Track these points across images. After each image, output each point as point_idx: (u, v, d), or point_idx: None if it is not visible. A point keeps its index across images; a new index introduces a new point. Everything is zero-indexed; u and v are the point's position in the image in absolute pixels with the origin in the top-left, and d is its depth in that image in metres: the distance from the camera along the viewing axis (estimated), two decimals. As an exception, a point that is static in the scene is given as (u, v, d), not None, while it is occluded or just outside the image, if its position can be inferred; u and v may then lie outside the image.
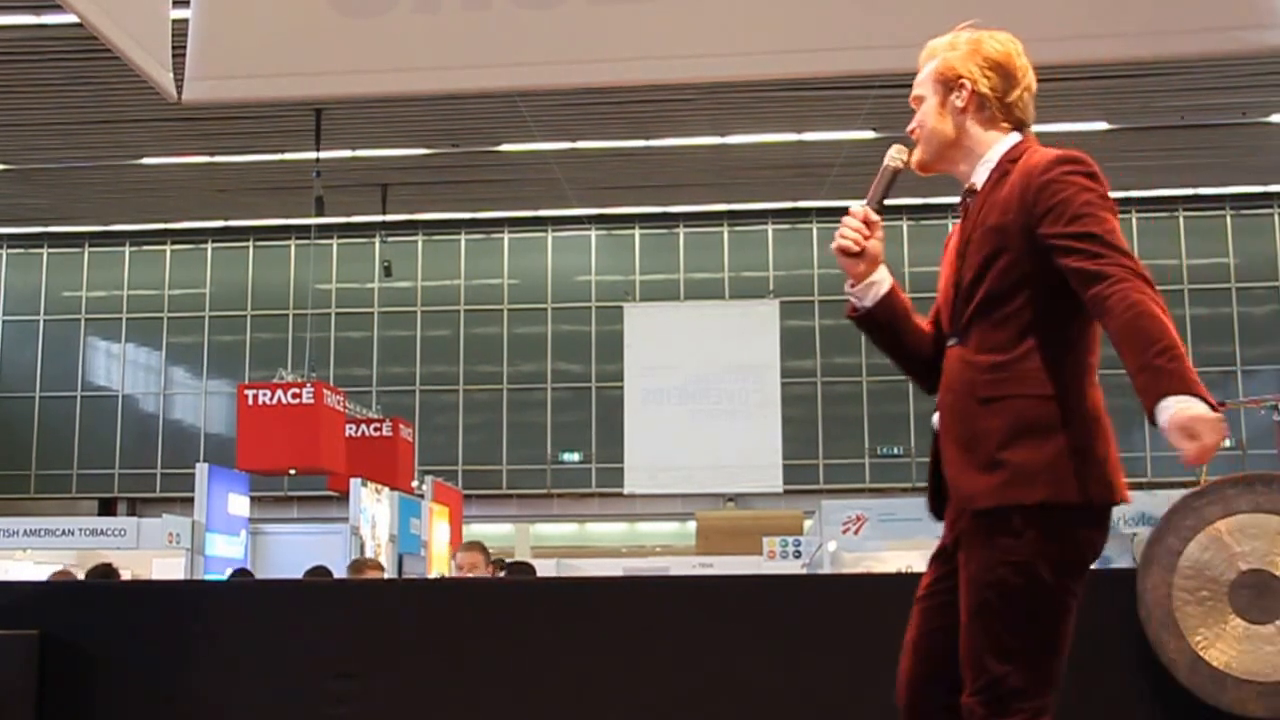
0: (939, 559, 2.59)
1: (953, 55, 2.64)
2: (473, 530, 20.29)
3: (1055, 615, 2.41)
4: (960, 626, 2.43)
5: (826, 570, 14.34)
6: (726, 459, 20.66)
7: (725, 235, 22.15)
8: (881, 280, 2.67)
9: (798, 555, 17.10)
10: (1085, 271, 2.36)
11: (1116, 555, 14.56)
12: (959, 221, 2.62)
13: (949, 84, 2.62)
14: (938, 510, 2.61)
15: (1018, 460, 2.39)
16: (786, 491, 21.51)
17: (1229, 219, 22.17)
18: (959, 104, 2.60)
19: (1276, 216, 22.24)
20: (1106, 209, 2.46)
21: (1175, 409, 2.28)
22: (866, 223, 2.63)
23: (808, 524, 19.27)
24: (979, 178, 2.57)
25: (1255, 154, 18.99)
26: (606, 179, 19.35)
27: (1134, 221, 22.29)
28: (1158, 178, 20.61)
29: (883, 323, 2.68)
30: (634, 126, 16.81)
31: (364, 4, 4.46)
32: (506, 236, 22.98)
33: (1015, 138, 2.59)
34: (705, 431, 20.65)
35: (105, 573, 7.03)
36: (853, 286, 2.66)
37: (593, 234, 22.79)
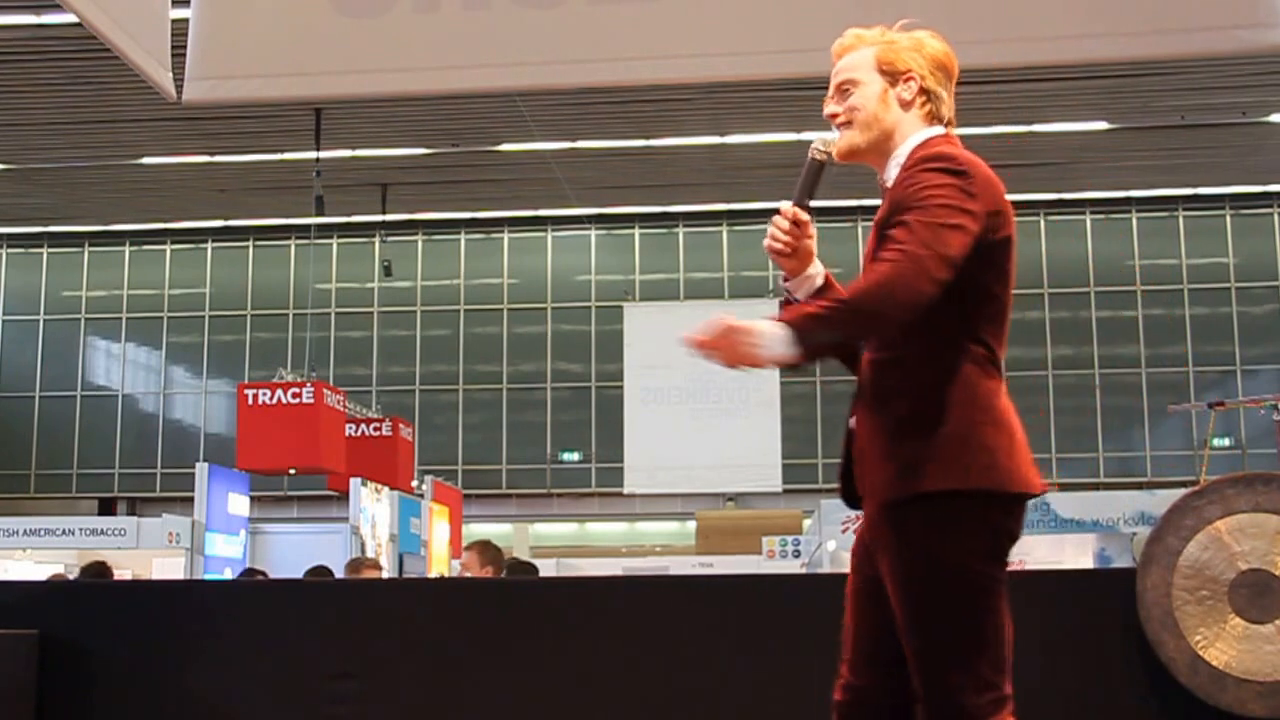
0: (860, 549, 2.58)
1: (896, 48, 2.59)
2: (472, 530, 20.29)
3: (974, 605, 2.39)
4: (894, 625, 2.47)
5: (826, 569, 14.34)
6: (726, 458, 20.65)
7: (725, 235, 22.15)
8: (815, 275, 2.63)
9: (797, 555, 17.10)
10: (887, 249, 2.37)
11: (1116, 555, 14.58)
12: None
13: (894, 75, 2.58)
14: (853, 500, 2.58)
15: (908, 452, 2.40)
16: (786, 491, 21.50)
17: (1229, 219, 22.16)
18: (906, 96, 2.57)
19: (1276, 216, 22.24)
20: (949, 202, 2.38)
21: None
22: (796, 222, 2.58)
23: (807, 523, 19.27)
24: (890, 175, 2.55)
25: (1255, 154, 18.99)
26: (606, 179, 19.34)
27: (1134, 221, 22.30)
28: (1158, 178, 20.61)
29: None
30: (634, 126, 16.80)
31: (364, 4, 4.46)
32: (506, 236, 22.98)
33: (930, 132, 2.56)
34: (705, 431, 20.65)
35: (99, 571, 7.01)
36: (786, 282, 2.64)
37: (593, 234, 22.79)
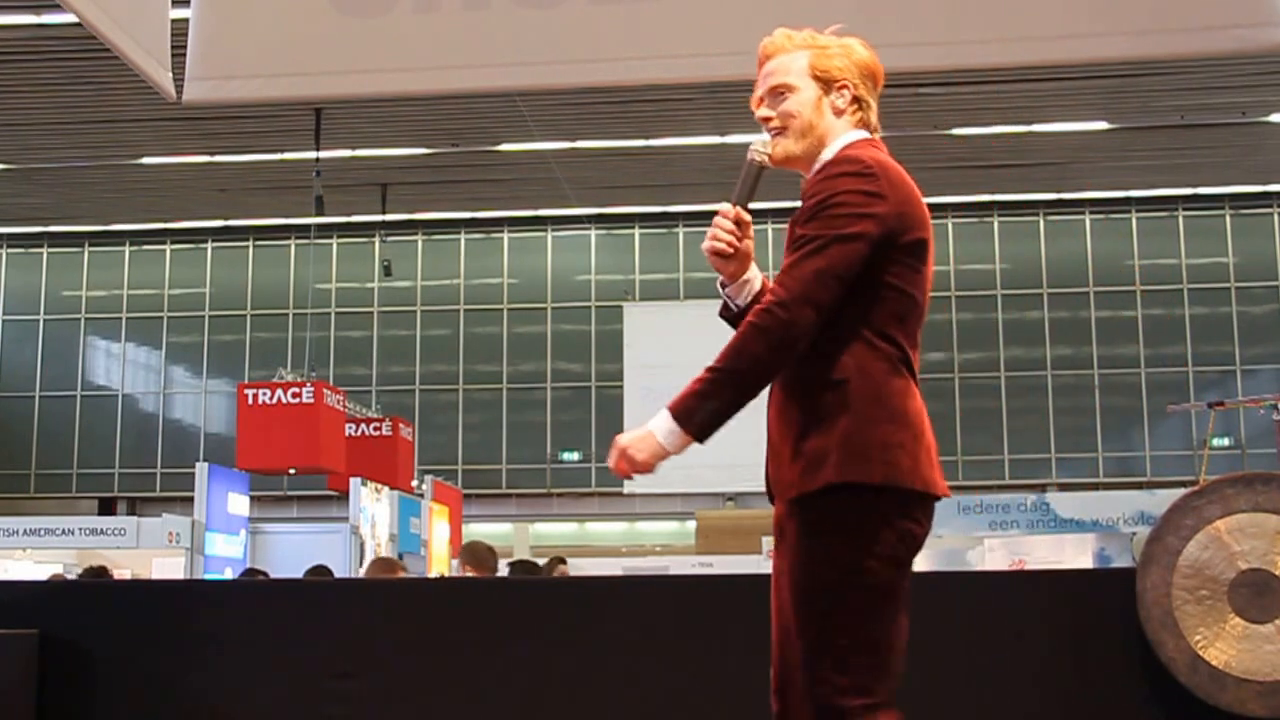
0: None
1: (829, 54, 2.60)
2: (472, 530, 20.29)
3: (866, 607, 2.39)
4: (774, 618, 2.52)
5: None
6: (726, 458, 20.58)
7: (725, 235, 22.11)
8: (754, 278, 2.64)
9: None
10: (776, 284, 2.46)
11: (1116, 555, 14.58)
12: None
13: (829, 83, 2.58)
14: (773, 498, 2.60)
15: (812, 448, 2.42)
16: (786, 491, 21.47)
17: (1228, 219, 22.16)
18: (839, 104, 2.58)
19: (1276, 216, 22.23)
20: (850, 210, 2.43)
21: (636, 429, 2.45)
22: (738, 223, 2.57)
23: (808, 523, 19.24)
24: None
25: (1255, 154, 18.99)
26: (606, 179, 19.35)
27: (1134, 221, 22.30)
28: (1158, 177, 20.61)
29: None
30: (634, 126, 16.80)
31: (364, 4, 4.46)
32: (506, 236, 22.98)
33: (854, 135, 2.58)
34: (705, 431, 20.58)
35: (98, 575, 6.99)
36: (725, 286, 2.62)
37: (592, 233, 22.79)
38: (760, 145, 2.57)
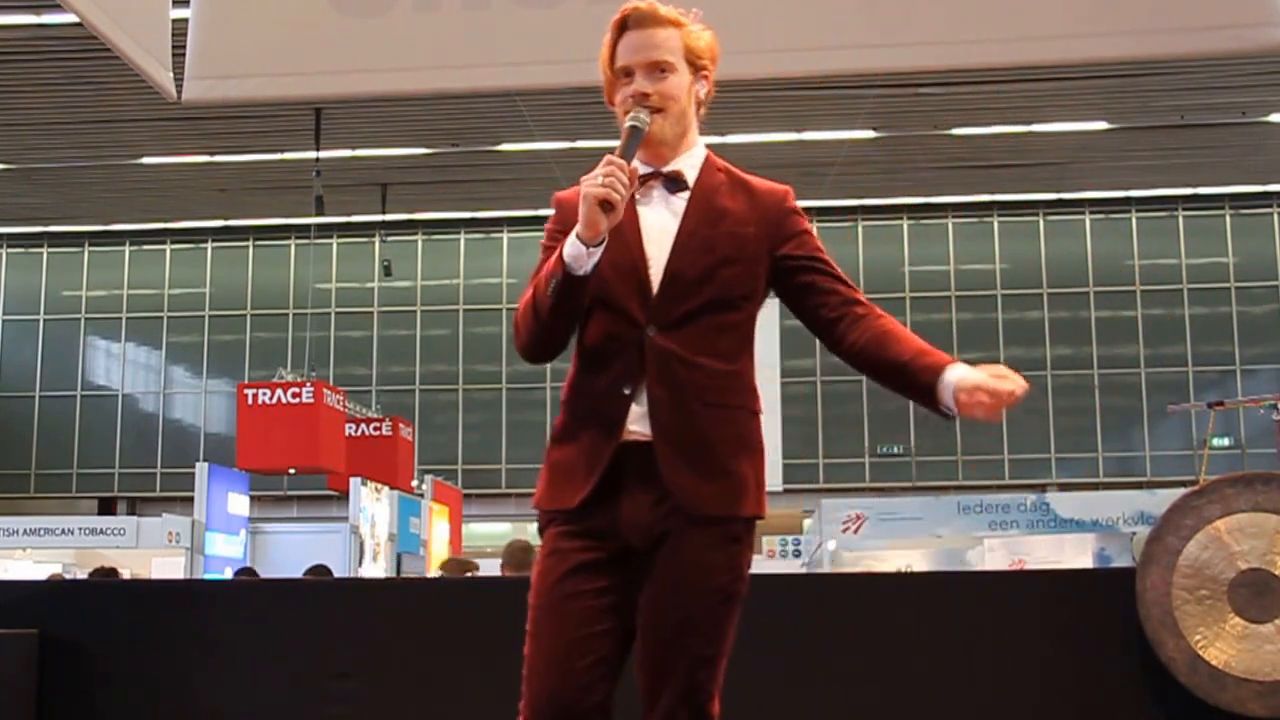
0: (609, 557, 2.38)
1: (700, 40, 2.46)
2: (472, 530, 20.30)
3: (735, 622, 2.44)
4: (651, 633, 2.37)
5: (826, 569, 14.34)
6: (726, 458, 20.65)
7: (725, 235, 22.12)
8: (604, 245, 2.37)
9: (797, 554, 17.11)
10: (845, 287, 2.53)
11: (1116, 555, 14.58)
12: (642, 203, 2.43)
13: (697, 69, 2.46)
14: (594, 503, 2.37)
15: (740, 472, 2.39)
16: (786, 490, 21.43)
17: (1228, 219, 22.17)
18: (701, 94, 2.48)
19: (1276, 216, 22.24)
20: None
21: (963, 369, 2.38)
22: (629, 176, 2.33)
23: (807, 523, 19.27)
24: (688, 171, 2.46)
25: (1255, 154, 19.00)
26: (606, 178, 19.32)
27: (1134, 221, 22.30)
28: (1158, 177, 20.61)
29: (584, 290, 2.37)
30: (634, 126, 16.80)
31: (364, 3, 4.45)
32: (506, 236, 22.98)
33: (703, 141, 2.52)
34: (705, 431, 20.59)
35: (108, 576, 6.97)
36: (591, 243, 2.30)
37: (592, 233, 22.77)
38: (643, 114, 2.38)
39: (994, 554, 14.96)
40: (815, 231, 2.54)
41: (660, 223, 2.41)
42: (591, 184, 2.29)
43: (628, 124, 2.36)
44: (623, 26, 2.43)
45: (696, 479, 2.34)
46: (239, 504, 15.95)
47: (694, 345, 2.37)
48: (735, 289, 2.41)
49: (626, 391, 2.35)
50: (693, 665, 2.37)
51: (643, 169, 2.42)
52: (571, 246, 2.32)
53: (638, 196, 2.41)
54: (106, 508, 22.58)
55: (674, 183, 2.43)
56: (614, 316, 2.38)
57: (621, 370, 2.36)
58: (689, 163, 2.47)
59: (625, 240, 2.36)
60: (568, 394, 2.45)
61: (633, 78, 2.41)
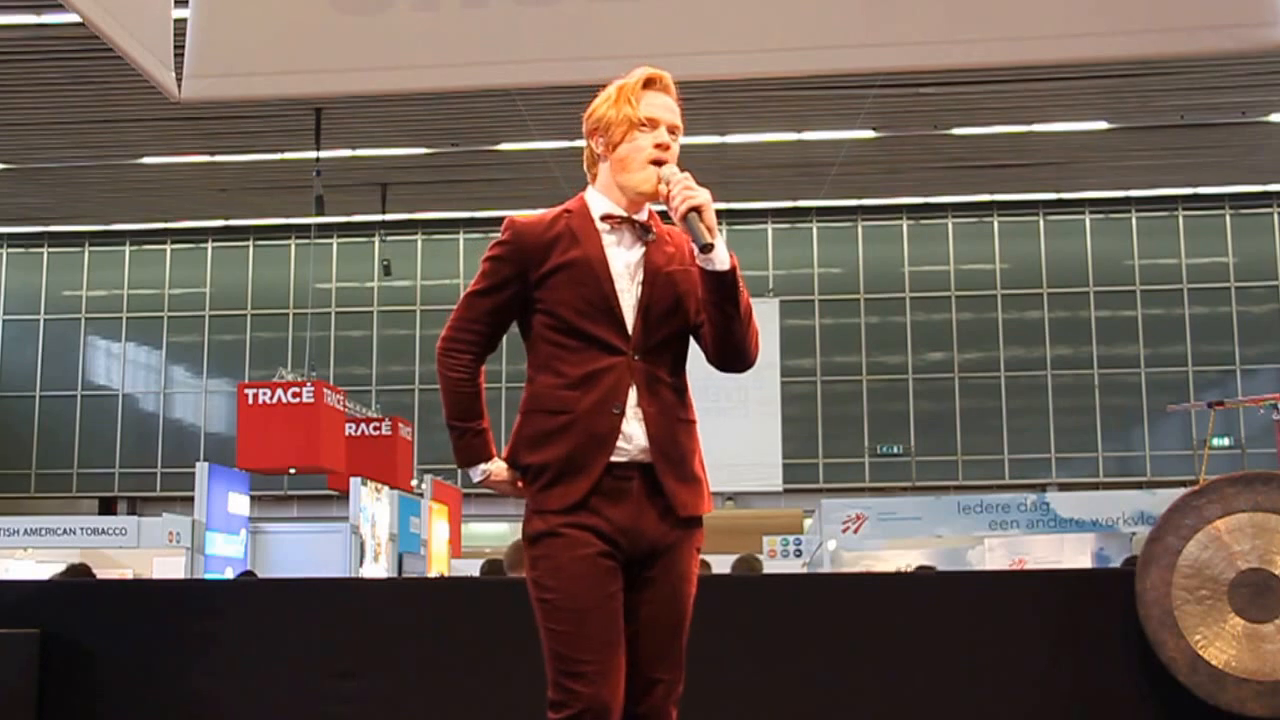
0: (618, 563, 2.63)
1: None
2: (472, 530, 20.30)
3: None
4: (656, 629, 2.66)
5: (826, 569, 14.34)
6: (726, 458, 20.62)
7: (725, 234, 22.12)
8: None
9: (798, 554, 17.10)
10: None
11: (1116, 555, 14.58)
12: (616, 243, 2.70)
13: None
14: (590, 507, 2.62)
15: (702, 477, 2.74)
16: (786, 490, 21.51)
17: (1228, 218, 22.17)
18: None
19: (1276, 216, 22.24)
20: None
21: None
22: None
23: (808, 523, 19.27)
24: (643, 217, 2.73)
25: (1255, 153, 18.99)
26: (606, 178, 19.31)
27: (1134, 221, 22.30)
28: (1158, 177, 20.61)
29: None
30: (634, 126, 16.80)
31: (363, 2, 4.45)
32: (506, 236, 22.95)
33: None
34: (705, 430, 20.29)
35: (83, 574, 6.84)
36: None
37: (592, 233, 22.76)
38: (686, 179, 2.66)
39: (994, 554, 14.97)
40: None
41: (631, 260, 2.68)
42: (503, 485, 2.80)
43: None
44: (650, 83, 2.73)
45: (681, 484, 2.67)
46: (239, 504, 15.95)
47: (668, 368, 2.69)
48: (690, 319, 2.71)
49: (616, 411, 2.62)
50: (682, 658, 2.71)
51: (618, 212, 2.71)
52: (475, 472, 2.84)
53: (610, 237, 2.69)
54: (107, 508, 22.58)
55: (645, 230, 2.71)
56: (595, 345, 2.64)
57: (610, 391, 2.62)
58: (647, 213, 2.76)
59: (596, 278, 2.64)
60: (541, 404, 2.70)
61: (657, 131, 2.69)
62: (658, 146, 2.67)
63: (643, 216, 2.73)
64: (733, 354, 2.71)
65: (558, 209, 2.79)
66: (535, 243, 2.69)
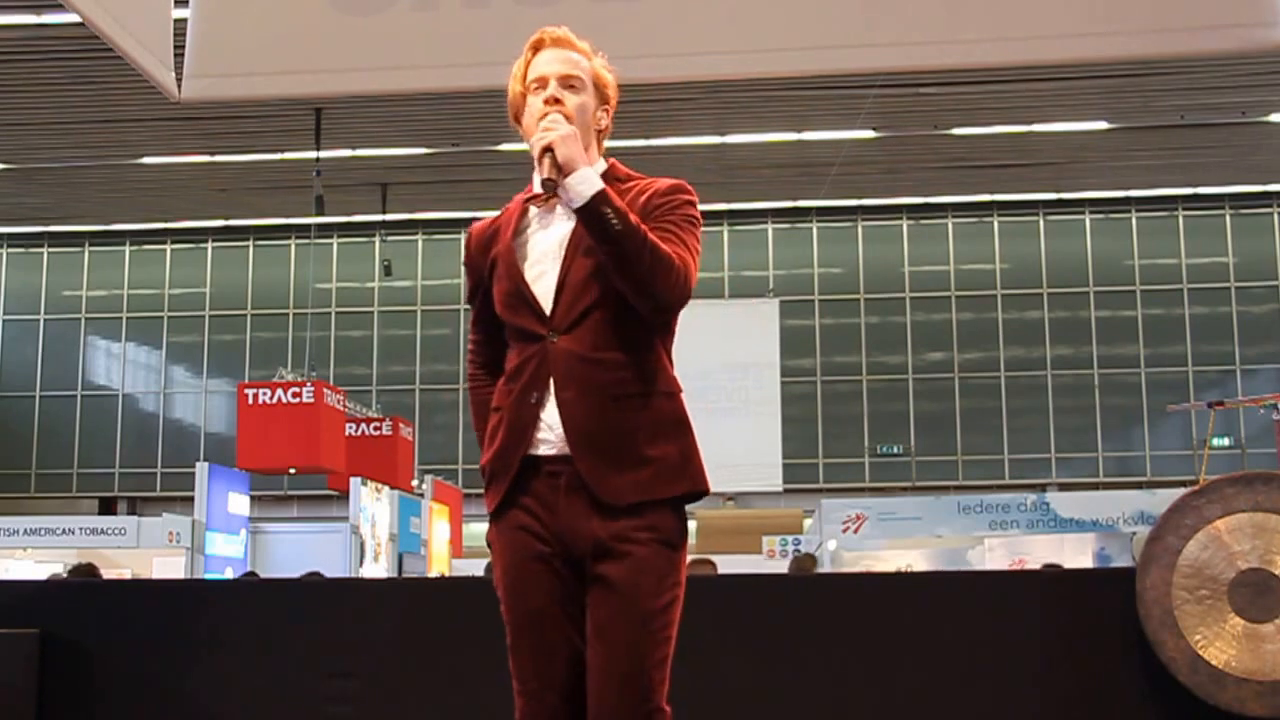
0: (558, 569, 2.44)
1: (607, 75, 2.63)
2: (473, 530, 20.30)
3: (679, 610, 2.46)
4: (610, 639, 2.38)
5: (826, 569, 14.34)
6: (726, 458, 20.62)
7: (725, 234, 22.15)
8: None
9: (797, 554, 17.09)
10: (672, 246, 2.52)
11: (1116, 555, 14.58)
12: (541, 224, 2.55)
13: (601, 99, 2.61)
14: (518, 507, 2.49)
15: (660, 455, 2.45)
16: (786, 490, 21.51)
17: (1228, 218, 22.16)
18: (602, 124, 2.61)
19: (1276, 216, 22.24)
20: (698, 226, 2.62)
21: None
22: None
23: (807, 523, 19.28)
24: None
25: (1255, 153, 18.99)
26: (606, 178, 19.32)
27: (1134, 221, 22.30)
28: (1158, 177, 20.61)
29: None
30: (635, 125, 16.80)
31: (363, 2, 4.45)
32: (506, 236, 22.95)
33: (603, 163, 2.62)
34: (705, 430, 20.20)
35: (88, 574, 6.85)
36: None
37: (593, 233, 22.76)
38: (550, 174, 2.45)
39: (994, 554, 14.96)
40: (684, 204, 2.59)
41: (558, 237, 2.51)
42: None
43: (542, 184, 2.43)
44: (538, 47, 2.59)
45: (612, 470, 2.41)
46: (239, 504, 15.95)
47: (594, 343, 2.45)
48: None
49: (533, 400, 2.46)
50: (648, 669, 2.38)
51: (547, 188, 2.48)
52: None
53: (537, 219, 2.54)
54: (107, 507, 22.58)
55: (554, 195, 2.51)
56: (520, 333, 2.51)
57: (530, 379, 2.47)
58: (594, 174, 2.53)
59: (511, 266, 2.51)
60: (495, 403, 2.58)
61: (546, 88, 2.53)
62: (547, 101, 2.51)
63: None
64: (634, 292, 2.41)
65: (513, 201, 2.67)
66: (479, 247, 2.61)
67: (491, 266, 2.56)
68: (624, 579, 2.38)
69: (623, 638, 2.37)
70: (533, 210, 2.57)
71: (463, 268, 2.70)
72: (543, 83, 2.54)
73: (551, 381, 2.45)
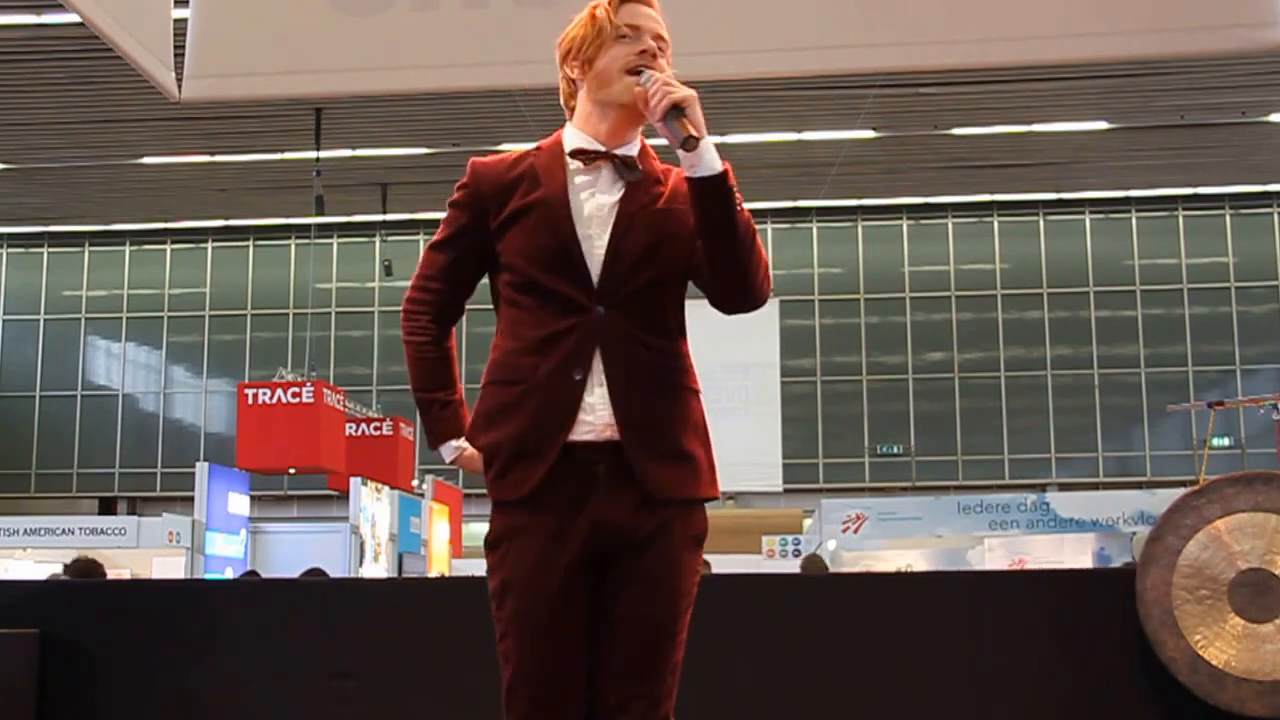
0: (583, 571, 2.24)
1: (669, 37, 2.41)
2: (473, 530, 20.29)
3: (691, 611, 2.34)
4: (632, 634, 2.24)
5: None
6: (726, 457, 20.29)
7: (725, 234, 22.13)
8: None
9: (797, 554, 17.09)
10: None
11: (1116, 555, 14.58)
12: (590, 183, 2.32)
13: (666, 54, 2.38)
14: (547, 495, 2.24)
15: (697, 454, 2.29)
16: (786, 490, 21.51)
17: (1228, 218, 22.17)
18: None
19: (1276, 216, 22.24)
20: None
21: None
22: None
23: (807, 523, 19.27)
24: (634, 152, 2.35)
25: (1255, 153, 18.99)
26: (606, 178, 19.32)
27: (1134, 220, 22.30)
28: (1158, 177, 20.61)
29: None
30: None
31: (363, 2, 4.45)
32: (506, 236, 22.96)
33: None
34: (705, 431, 20.60)
35: (86, 569, 6.67)
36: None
37: (593, 233, 22.77)
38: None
39: (994, 554, 14.97)
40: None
41: (606, 202, 2.29)
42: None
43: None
44: None
45: (662, 463, 2.23)
46: (239, 504, 15.95)
47: (642, 324, 2.26)
48: (675, 267, 2.29)
49: (577, 377, 2.22)
50: (667, 672, 2.26)
51: (594, 146, 2.31)
52: (445, 450, 2.40)
53: (584, 177, 2.30)
54: (107, 508, 22.58)
55: (628, 168, 2.31)
56: (556, 301, 2.25)
57: (571, 354, 2.23)
58: (634, 146, 2.37)
59: (556, 222, 2.26)
60: (498, 374, 2.34)
61: (640, 39, 2.31)
62: (641, 54, 2.28)
63: (629, 151, 2.33)
64: (735, 285, 2.23)
65: (529, 147, 2.40)
66: (493, 186, 2.31)
67: (513, 215, 2.29)
68: (664, 575, 2.24)
69: (652, 638, 2.24)
70: (573, 165, 2.32)
71: (452, 205, 2.39)
72: (636, 31, 2.30)
73: (599, 359, 2.23)
